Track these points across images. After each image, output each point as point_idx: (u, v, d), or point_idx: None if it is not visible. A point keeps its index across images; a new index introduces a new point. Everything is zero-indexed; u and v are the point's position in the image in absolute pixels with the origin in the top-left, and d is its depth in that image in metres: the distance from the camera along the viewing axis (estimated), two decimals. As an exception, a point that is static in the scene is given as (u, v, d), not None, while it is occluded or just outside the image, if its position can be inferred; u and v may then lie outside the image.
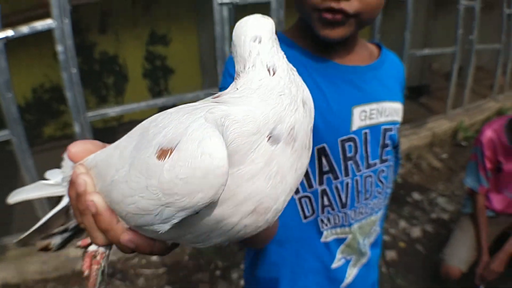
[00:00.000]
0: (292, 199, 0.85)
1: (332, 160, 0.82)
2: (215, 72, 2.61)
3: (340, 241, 0.90)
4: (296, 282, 0.92)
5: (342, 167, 0.83)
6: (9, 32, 2.00)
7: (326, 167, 0.82)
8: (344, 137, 0.82)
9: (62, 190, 0.49)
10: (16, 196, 0.52)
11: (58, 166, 0.52)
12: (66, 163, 0.47)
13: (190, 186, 0.31)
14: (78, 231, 0.52)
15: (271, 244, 0.89)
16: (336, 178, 0.83)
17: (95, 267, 0.44)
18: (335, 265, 0.91)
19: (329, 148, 0.81)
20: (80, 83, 2.26)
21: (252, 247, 0.88)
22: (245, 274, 1.07)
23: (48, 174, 0.52)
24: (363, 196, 0.87)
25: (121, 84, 3.96)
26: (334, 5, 0.70)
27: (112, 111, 2.49)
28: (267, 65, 0.38)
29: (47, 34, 2.12)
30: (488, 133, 2.20)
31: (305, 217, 0.87)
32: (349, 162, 0.83)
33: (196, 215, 0.34)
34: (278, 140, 0.36)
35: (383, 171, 0.90)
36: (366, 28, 0.90)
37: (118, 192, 0.37)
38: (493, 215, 2.30)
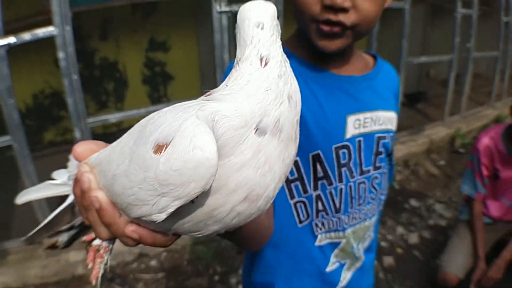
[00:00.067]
0: (288, 204, 0.87)
1: (327, 166, 0.85)
2: (214, 79, 2.64)
3: (334, 245, 0.92)
4: (291, 285, 0.94)
5: (336, 174, 0.86)
6: (11, 39, 2.03)
7: (320, 173, 0.85)
8: (338, 145, 0.84)
9: (68, 190, 0.51)
10: (24, 197, 0.54)
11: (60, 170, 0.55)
12: (72, 162, 0.50)
13: (183, 177, 0.34)
14: (83, 229, 0.54)
15: (267, 247, 0.91)
16: (330, 184, 0.86)
17: (98, 260, 0.47)
18: (329, 268, 0.93)
19: (324, 155, 0.84)
20: (81, 89, 2.29)
21: (249, 249, 0.90)
22: (243, 277, 1.09)
23: (55, 174, 0.55)
24: (357, 201, 0.90)
25: (121, 90, 3.98)
26: (332, 17, 0.73)
27: (112, 117, 2.52)
28: (261, 55, 0.41)
29: (48, 40, 2.15)
30: (485, 141, 2.20)
31: (300, 222, 0.89)
32: (343, 169, 0.86)
33: (193, 205, 0.37)
34: (264, 132, 0.39)
35: (376, 177, 0.93)
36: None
37: (119, 185, 0.39)
38: (490, 222, 2.31)
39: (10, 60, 2.06)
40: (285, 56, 0.44)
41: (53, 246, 0.56)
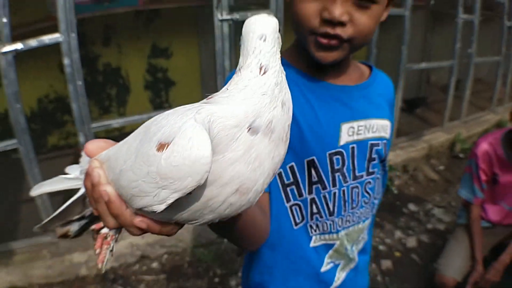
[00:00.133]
0: (284, 206, 0.92)
1: (321, 171, 0.89)
2: (215, 86, 2.67)
3: (328, 246, 0.97)
4: (287, 284, 0.99)
5: (330, 178, 0.90)
6: (18, 45, 2.05)
7: (315, 178, 0.89)
8: (332, 151, 0.89)
9: (79, 183, 0.55)
10: (39, 189, 0.58)
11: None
12: (83, 158, 0.54)
13: (181, 172, 0.39)
14: (93, 219, 0.58)
15: (264, 248, 0.95)
16: (324, 188, 0.90)
17: (105, 246, 0.51)
18: (324, 268, 0.98)
19: (318, 161, 0.88)
20: (85, 95, 2.32)
21: (247, 247, 0.94)
22: (242, 278, 1.14)
23: (68, 169, 0.59)
24: (350, 205, 0.94)
25: (123, 96, 4.01)
26: (330, 30, 0.78)
27: (115, 122, 2.55)
28: (261, 64, 0.45)
29: (52, 46, 2.18)
30: (484, 146, 2.21)
31: (296, 224, 0.94)
32: (337, 174, 0.90)
33: (190, 196, 0.42)
34: (257, 131, 0.43)
35: (369, 182, 0.97)
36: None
37: (125, 179, 0.44)
38: (489, 225, 2.32)
39: (17, 66, 2.08)
40: (282, 67, 0.48)
41: (65, 235, 0.60)
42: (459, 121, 4.59)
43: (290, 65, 0.90)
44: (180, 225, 0.49)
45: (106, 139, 0.53)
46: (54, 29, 2.19)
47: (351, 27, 0.78)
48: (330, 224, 0.94)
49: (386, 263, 2.71)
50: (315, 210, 0.92)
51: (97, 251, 0.51)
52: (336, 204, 0.92)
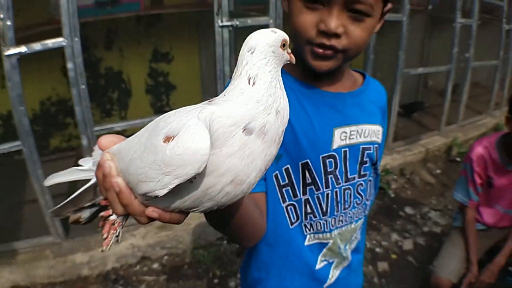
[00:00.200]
0: (280, 206, 0.97)
1: (315, 173, 0.94)
2: (215, 90, 2.71)
3: (322, 245, 1.01)
4: (283, 281, 1.04)
5: (323, 180, 0.95)
6: (23, 49, 2.08)
7: (309, 180, 0.94)
8: (325, 154, 0.94)
9: (91, 174, 0.60)
10: (52, 180, 0.62)
11: None
12: (96, 151, 0.59)
13: (183, 161, 0.45)
14: (103, 207, 0.62)
15: (263, 245, 1.01)
16: (318, 189, 0.95)
17: (112, 231, 0.56)
18: (318, 266, 1.02)
19: (312, 163, 0.93)
20: (88, 98, 2.35)
21: (245, 243, 1.00)
22: (241, 274, 1.19)
23: (81, 161, 0.64)
24: (342, 206, 0.99)
25: (125, 99, 4.04)
26: (326, 41, 0.83)
27: (117, 126, 2.58)
28: (249, 75, 0.51)
29: (55, 49, 2.21)
30: (479, 150, 2.22)
31: (292, 223, 0.99)
32: (330, 176, 0.95)
33: (191, 184, 0.47)
34: (251, 132, 0.49)
35: (361, 184, 1.02)
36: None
37: (134, 166, 0.50)
38: (484, 228, 2.33)
39: (20, 68, 2.11)
40: (278, 78, 0.53)
41: (76, 222, 0.65)
42: (456, 125, 4.61)
43: (286, 73, 0.95)
44: (185, 214, 0.54)
45: (118, 134, 0.59)
46: (56, 32, 2.21)
47: (345, 38, 0.83)
48: (324, 224, 0.99)
49: (383, 265, 2.75)
50: (309, 210, 0.97)
51: (105, 235, 0.56)
52: (329, 204, 0.97)
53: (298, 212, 0.98)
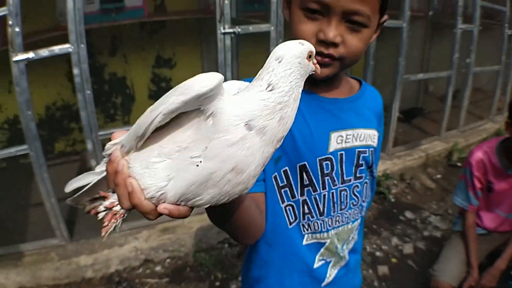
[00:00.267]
0: (280, 207, 1.01)
1: (312, 175, 0.98)
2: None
3: (320, 244, 1.05)
4: (282, 280, 1.08)
5: (320, 182, 0.99)
6: (30, 54, 2.12)
7: (306, 181, 0.99)
8: (322, 157, 0.98)
9: (105, 176, 0.63)
10: (72, 185, 0.65)
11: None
12: (108, 146, 0.61)
13: (194, 82, 0.49)
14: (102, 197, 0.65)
15: (262, 244, 1.05)
16: (315, 190, 1.00)
17: (113, 221, 0.59)
18: (316, 265, 1.06)
19: (309, 166, 0.98)
20: (93, 103, 2.39)
21: (245, 240, 1.03)
22: (242, 277, 1.23)
23: (98, 167, 0.66)
24: (339, 207, 1.03)
25: (128, 104, 4.09)
26: (324, 50, 0.88)
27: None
28: (270, 82, 0.55)
29: (61, 55, 2.25)
30: (478, 155, 2.23)
31: (290, 223, 1.03)
32: (326, 178, 0.99)
33: (197, 168, 0.51)
34: (251, 129, 0.53)
35: (357, 186, 1.06)
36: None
37: (148, 111, 0.53)
38: (484, 232, 2.34)
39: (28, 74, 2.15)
40: (297, 89, 0.57)
41: (94, 213, 0.66)
42: (457, 130, 4.62)
43: None
44: (190, 208, 0.57)
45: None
46: (63, 38, 2.25)
47: (343, 47, 0.88)
48: (321, 224, 1.03)
49: (383, 269, 2.76)
50: (306, 210, 1.01)
51: (106, 223, 0.59)
52: (326, 205, 1.01)
53: (296, 212, 1.02)
